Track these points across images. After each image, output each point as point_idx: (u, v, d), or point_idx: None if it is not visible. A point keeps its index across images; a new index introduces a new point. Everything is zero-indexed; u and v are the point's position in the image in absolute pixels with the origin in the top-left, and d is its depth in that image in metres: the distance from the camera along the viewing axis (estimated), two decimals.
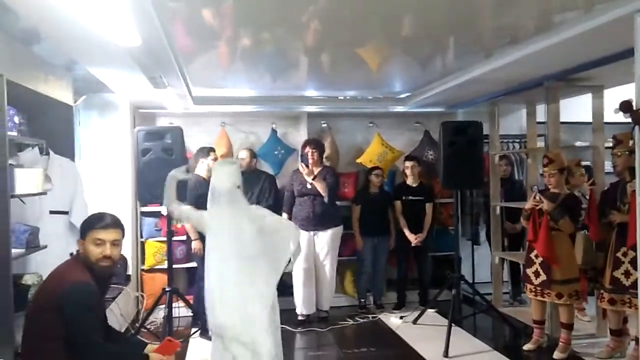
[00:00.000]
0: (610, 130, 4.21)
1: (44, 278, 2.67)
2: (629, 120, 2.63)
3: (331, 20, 3.06)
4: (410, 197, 5.45)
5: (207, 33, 3.20)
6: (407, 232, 5.37)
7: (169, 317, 4.13)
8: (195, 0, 2.65)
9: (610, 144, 3.85)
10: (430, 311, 5.11)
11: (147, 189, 4.05)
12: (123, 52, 3.08)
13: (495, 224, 5.33)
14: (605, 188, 3.79)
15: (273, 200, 5.12)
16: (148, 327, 4.59)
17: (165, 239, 4.70)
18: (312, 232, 5.01)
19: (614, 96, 4.41)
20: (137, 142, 4.14)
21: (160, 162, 3.99)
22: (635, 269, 3.34)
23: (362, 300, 5.52)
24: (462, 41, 3.61)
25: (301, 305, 5.04)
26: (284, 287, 5.19)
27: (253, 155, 5.28)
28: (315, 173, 4.94)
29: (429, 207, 5.46)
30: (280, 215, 5.12)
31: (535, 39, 3.35)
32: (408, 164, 5.51)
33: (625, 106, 2.52)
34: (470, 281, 5.32)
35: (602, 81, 4.32)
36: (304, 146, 5.12)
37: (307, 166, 4.91)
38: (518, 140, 5.97)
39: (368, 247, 5.44)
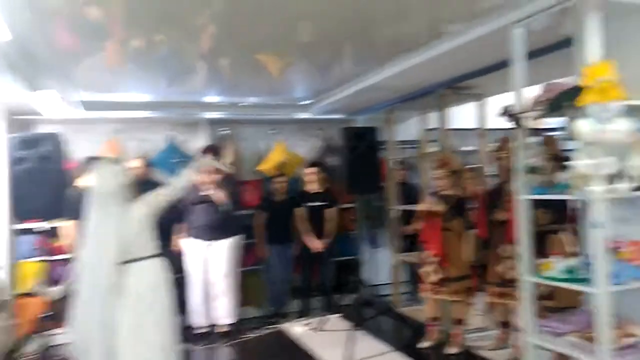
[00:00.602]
0: (494, 135, 4.52)
1: None
2: (510, 125, 2.83)
3: (228, 24, 3.01)
4: (313, 204, 5.47)
5: (92, 32, 2.99)
6: (310, 239, 5.38)
7: (45, 346, 3.76)
8: None
9: (494, 148, 4.12)
10: (333, 316, 5.15)
11: (22, 202, 3.69)
12: None
13: (393, 227, 5.51)
14: (491, 189, 4.05)
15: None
16: (26, 356, 4.15)
17: (44, 259, 4.27)
18: (208, 242, 4.85)
19: (496, 103, 4.74)
20: (10, 150, 3.76)
21: (37, 173, 3.66)
22: (517, 263, 3.58)
23: (272, 309, 5.45)
24: (359, 49, 3.71)
25: (198, 319, 4.87)
26: (180, 303, 4.98)
27: (147, 163, 5.02)
28: (215, 181, 4.81)
29: (331, 212, 5.51)
30: (176, 226, 4.93)
31: (426, 47, 3.51)
32: (310, 170, 5.53)
33: (507, 111, 2.70)
34: (371, 284, 5.45)
35: (484, 90, 4.63)
36: (203, 153, 4.97)
37: (204, 174, 4.76)
38: (412, 146, 6.23)
39: (274, 256, 5.39)
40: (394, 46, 3.63)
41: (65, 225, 4.43)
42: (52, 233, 4.41)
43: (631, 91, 2.21)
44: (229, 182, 4.95)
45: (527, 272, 2.66)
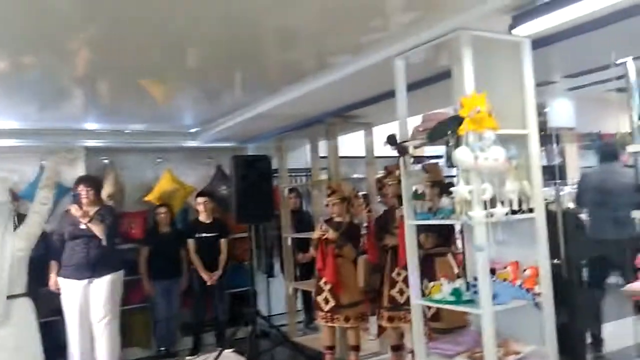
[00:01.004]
0: (382, 163, 4.69)
1: None
2: (395, 152, 2.93)
3: (107, 48, 2.81)
4: (204, 234, 5.28)
5: None
6: (202, 272, 5.16)
7: None
8: None
9: (381, 176, 4.27)
10: (227, 351, 4.93)
11: None
12: None
13: (287, 255, 5.47)
14: (379, 215, 4.17)
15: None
16: None
17: None
18: (86, 280, 4.41)
19: (383, 132, 4.94)
20: None
21: None
22: (408, 287, 3.69)
23: (163, 348, 5.12)
24: (249, 76, 3.67)
25: None
26: (60, 349, 4.51)
27: (15, 197, 4.51)
28: (91, 214, 4.44)
29: (223, 243, 5.34)
30: (49, 264, 4.49)
31: (315, 77, 3.56)
32: (200, 200, 5.35)
33: (391, 140, 2.79)
34: (267, 314, 5.33)
35: (371, 119, 4.81)
36: (75, 185, 4.59)
37: (80, 207, 4.39)
38: (304, 174, 6.29)
39: (159, 292, 5.09)
40: (283, 75, 3.65)
41: None
42: None
43: (501, 120, 2.39)
44: (108, 213, 4.60)
45: (416, 295, 2.73)
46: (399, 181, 3.61)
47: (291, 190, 5.68)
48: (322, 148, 5.21)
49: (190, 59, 3.15)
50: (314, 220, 5.35)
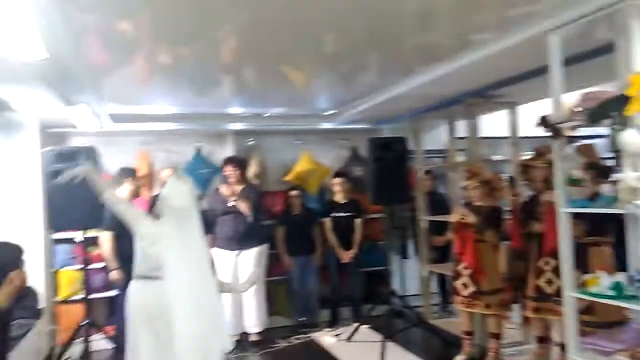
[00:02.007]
0: (526, 144, 4.42)
1: None
2: (548, 134, 2.75)
3: (251, 36, 2.99)
4: (340, 214, 5.43)
5: (122, 47, 3.01)
6: (338, 249, 5.34)
7: (85, 353, 3.80)
8: (107, 13, 2.48)
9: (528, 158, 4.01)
10: (363, 327, 5.08)
11: (59, 214, 3.75)
12: (27, 67, 2.82)
13: (422, 238, 5.43)
14: (525, 200, 3.94)
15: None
16: None
17: (81, 267, 4.34)
18: (236, 251, 4.87)
19: (527, 112, 4.65)
20: (45, 164, 3.81)
21: (73, 185, 3.70)
22: (558, 277, 3.47)
23: (301, 319, 5.42)
24: (385, 58, 3.66)
25: (229, 328, 4.85)
26: None
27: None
28: (238, 192, 4.81)
29: (358, 223, 5.46)
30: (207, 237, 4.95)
31: (455, 57, 3.45)
32: (336, 181, 5.50)
33: (544, 121, 2.62)
34: (401, 295, 5.36)
35: (516, 98, 4.53)
36: (224, 165, 4.99)
37: (228, 186, 4.77)
38: (440, 155, 6.15)
39: (296, 267, 5.38)
40: (421, 56, 3.58)
41: (101, 235, 4.51)
42: (89, 242, 4.50)
43: None
44: (253, 192, 4.96)
45: (570, 287, 2.57)
46: (549, 164, 3.40)
47: (426, 172, 5.60)
48: (460, 129, 5.03)
49: (329, 44, 3.22)
50: (449, 203, 5.24)
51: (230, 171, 4.88)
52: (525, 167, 3.88)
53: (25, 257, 2.78)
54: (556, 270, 3.47)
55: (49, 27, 2.36)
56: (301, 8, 2.54)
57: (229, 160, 5.01)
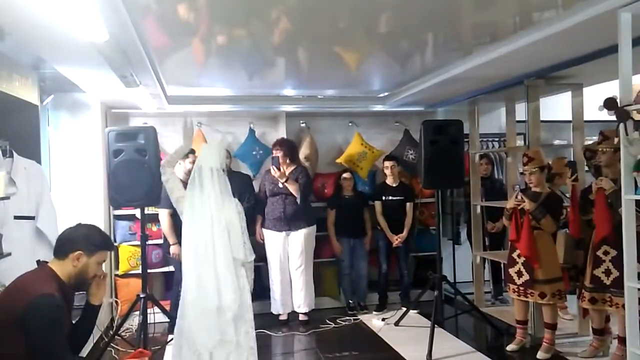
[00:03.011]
0: (591, 128, 4.20)
1: None
2: (611, 117, 2.60)
3: (306, 17, 2.98)
4: (391, 197, 5.39)
5: (180, 29, 3.08)
6: (388, 233, 5.31)
7: (143, 324, 3.98)
8: None
9: (593, 143, 3.82)
10: (412, 312, 5.06)
11: (120, 191, 3.92)
12: (91, 49, 2.94)
13: (476, 224, 5.30)
14: (586, 186, 3.77)
15: (254, 201, 5.03)
16: (122, 334, 4.44)
17: (139, 242, 4.54)
18: (284, 232, 4.94)
19: (591, 94, 4.41)
20: (108, 143, 3.98)
21: (133, 164, 3.87)
22: (616, 267, 3.32)
23: (351, 302, 5.44)
24: (441, 39, 3.56)
25: (278, 307, 5.01)
26: (262, 290, 5.14)
27: (229, 155, 5.16)
28: (287, 174, 4.86)
29: (409, 206, 5.40)
30: (256, 216, 5.02)
31: (515, 37, 3.31)
32: (388, 163, 5.45)
33: (610, 103, 2.49)
34: (452, 281, 5.28)
35: (581, 79, 4.31)
36: (273, 147, 5.04)
37: (277, 168, 4.81)
38: (497, 139, 5.97)
39: (345, 249, 5.39)
40: (479, 36, 3.46)
41: (160, 212, 4.69)
42: (148, 219, 4.69)
43: None
44: (303, 174, 4.99)
45: (631, 277, 2.44)
46: (615, 149, 3.23)
47: (482, 157, 5.44)
48: (519, 112, 4.84)
49: (383, 24, 3.16)
50: (506, 189, 5.08)
51: (279, 153, 4.93)
52: (590, 152, 3.70)
53: None
54: (615, 260, 3.32)
55: (111, 8, 2.44)
56: None
57: (278, 143, 5.06)
